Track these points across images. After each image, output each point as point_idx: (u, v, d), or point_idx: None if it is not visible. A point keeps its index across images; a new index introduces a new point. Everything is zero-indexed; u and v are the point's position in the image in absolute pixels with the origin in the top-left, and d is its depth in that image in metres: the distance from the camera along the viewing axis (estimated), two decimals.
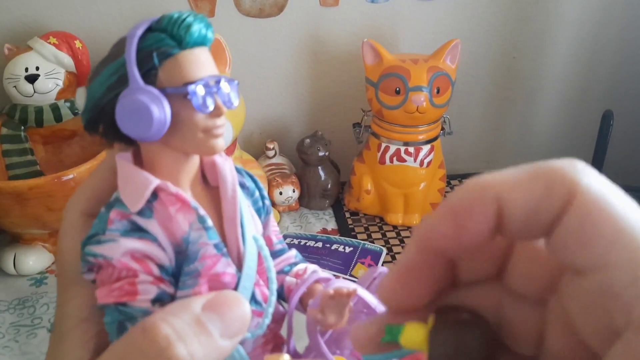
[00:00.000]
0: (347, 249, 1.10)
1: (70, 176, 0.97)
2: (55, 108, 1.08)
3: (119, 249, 0.39)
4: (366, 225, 1.20)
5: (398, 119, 1.12)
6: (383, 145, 1.16)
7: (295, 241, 1.11)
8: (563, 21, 1.29)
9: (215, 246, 0.42)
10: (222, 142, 0.43)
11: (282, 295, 0.52)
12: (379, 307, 0.48)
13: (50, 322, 0.96)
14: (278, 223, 1.18)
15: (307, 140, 1.19)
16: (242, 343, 0.45)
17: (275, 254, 0.51)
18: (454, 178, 1.37)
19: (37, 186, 0.95)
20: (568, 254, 0.19)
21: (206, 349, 0.25)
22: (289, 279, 0.52)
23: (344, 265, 1.06)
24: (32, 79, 1.04)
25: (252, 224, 0.46)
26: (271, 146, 1.23)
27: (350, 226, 1.19)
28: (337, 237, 1.15)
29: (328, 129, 1.31)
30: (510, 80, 1.35)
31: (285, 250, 0.53)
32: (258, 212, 0.49)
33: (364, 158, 1.21)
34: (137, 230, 0.40)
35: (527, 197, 0.20)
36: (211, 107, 0.42)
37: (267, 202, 0.50)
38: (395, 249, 1.13)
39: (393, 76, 1.09)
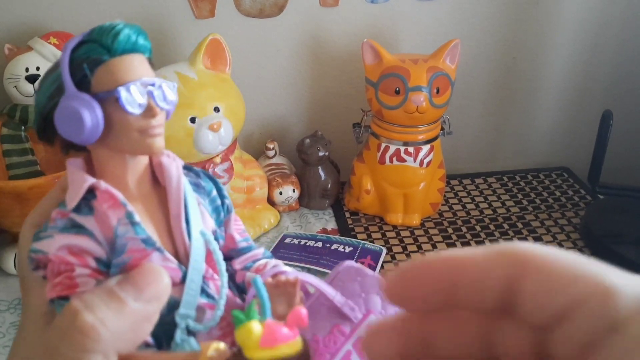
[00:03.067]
0: (347, 249, 1.10)
1: None
2: None
3: (55, 244, 0.43)
4: (366, 225, 1.20)
5: (398, 119, 1.12)
6: (383, 145, 1.16)
7: (295, 241, 1.11)
8: (563, 21, 1.30)
9: (144, 241, 0.44)
10: (159, 142, 0.46)
11: (244, 290, 0.54)
12: (337, 297, 0.50)
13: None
14: (278, 223, 1.18)
15: (307, 140, 1.19)
16: (195, 335, 0.46)
17: (239, 252, 0.53)
18: (453, 178, 1.38)
19: (38, 186, 0.95)
20: (541, 312, 0.20)
21: (118, 313, 0.28)
22: (249, 274, 0.54)
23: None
24: (32, 79, 1.04)
25: (200, 220, 0.48)
26: (271, 146, 1.23)
27: (350, 226, 1.20)
28: (337, 237, 1.15)
29: (328, 129, 1.31)
30: (509, 80, 1.35)
31: (252, 248, 0.54)
32: (216, 210, 0.52)
33: (364, 158, 1.21)
34: (74, 227, 0.44)
35: (480, 267, 0.21)
36: (138, 109, 0.44)
37: (228, 201, 0.53)
38: (395, 249, 1.13)
39: (393, 76, 1.10)
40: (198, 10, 1.17)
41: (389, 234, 1.18)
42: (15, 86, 1.05)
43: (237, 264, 0.54)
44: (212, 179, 0.52)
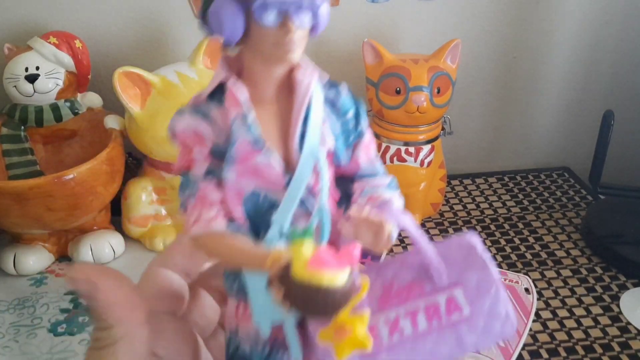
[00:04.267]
0: None
1: (70, 176, 0.97)
2: (55, 108, 1.08)
3: (183, 122, 0.50)
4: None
5: (398, 119, 1.12)
6: (383, 145, 1.16)
7: None
8: (563, 21, 1.29)
9: (253, 140, 0.49)
10: (292, 56, 0.50)
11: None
12: (431, 256, 0.48)
13: (51, 322, 0.96)
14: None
15: None
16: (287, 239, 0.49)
17: (362, 175, 0.55)
18: (454, 178, 1.37)
19: (37, 186, 0.95)
20: None
21: None
22: (360, 200, 0.55)
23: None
24: (32, 78, 1.04)
25: (317, 138, 0.51)
26: None
27: None
28: None
29: None
30: (510, 80, 1.35)
31: (377, 174, 0.56)
32: (346, 132, 0.54)
33: None
34: (202, 113, 0.50)
35: None
36: (273, 23, 0.48)
37: (362, 127, 0.55)
38: (395, 249, 1.13)
39: (393, 76, 1.09)
40: (197, 9, 1.16)
41: None
42: (15, 86, 1.04)
43: (358, 186, 0.56)
44: (355, 102, 0.55)
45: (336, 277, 0.38)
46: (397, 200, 0.55)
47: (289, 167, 0.51)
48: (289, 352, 0.52)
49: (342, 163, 0.55)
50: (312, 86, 0.52)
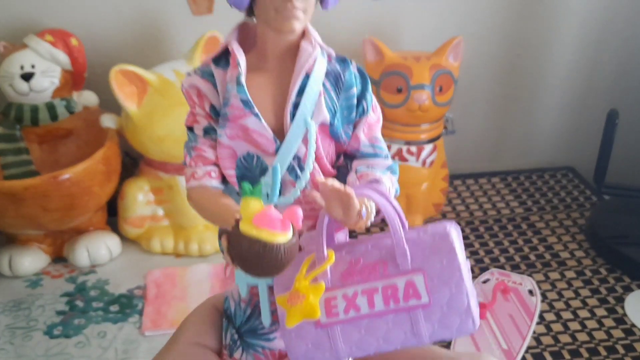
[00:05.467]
0: None
1: (66, 176, 0.96)
2: (51, 107, 1.07)
3: (189, 80, 0.52)
4: (368, 226, 1.18)
5: (400, 118, 1.11)
6: None
7: None
8: (567, 18, 1.28)
9: (243, 101, 0.50)
10: (292, 24, 0.50)
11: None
12: (399, 238, 0.49)
13: (46, 324, 0.95)
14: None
15: None
16: (276, 206, 0.49)
17: (361, 154, 0.55)
18: (456, 178, 1.36)
19: (33, 186, 0.94)
20: None
21: None
22: (351, 177, 0.56)
23: None
24: (27, 77, 1.03)
25: (310, 109, 0.52)
26: None
27: None
28: None
29: None
30: (513, 78, 1.34)
31: (377, 155, 0.55)
32: (349, 107, 0.54)
33: None
34: (207, 74, 0.52)
35: None
36: None
37: (366, 104, 0.55)
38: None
39: (395, 74, 1.08)
40: (196, 7, 1.15)
41: None
42: (10, 84, 1.03)
43: (355, 164, 0.56)
44: (363, 78, 0.56)
45: (276, 234, 0.40)
46: (387, 182, 0.54)
47: (281, 135, 0.52)
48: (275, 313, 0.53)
49: (342, 139, 0.55)
50: (314, 57, 0.53)
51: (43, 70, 1.04)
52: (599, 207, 1.22)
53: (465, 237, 1.16)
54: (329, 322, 0.47)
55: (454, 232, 0.51)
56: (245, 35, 0.56)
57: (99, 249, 1.07)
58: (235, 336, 0.56)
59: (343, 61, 0.56)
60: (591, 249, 1.13)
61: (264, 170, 0.52)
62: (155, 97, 1.03)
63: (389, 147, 1.14)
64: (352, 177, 0.56)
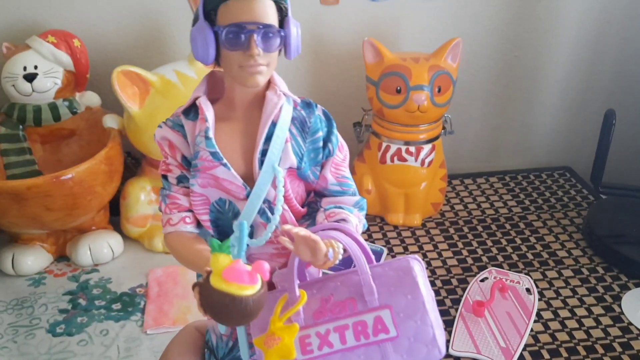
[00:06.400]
0: None
1: (69, 175, 0.97)
2: (53, 107, 1.07)
3: (161, 132, 0.56)
4: (367, 226, 1.19)
5: (399, 118, 1.12)
6: (384, 144, 1.15)
7: None
8: (565, 19, 1.28)
9: (212, 154, 0.54)
10: (257, 79, 0.53)
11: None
12: (365, 277, 0.52)
13: (49, 322, 0.96)
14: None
15: None
16: (247, 251, 0.54)
17: (329, 193, 0.60)
18: (455, 178, 1.37)
19: (36, 186, 0.95)
20: None
21: None
22: (320, 216, 0.60)
23: (344, 266, 1.05)
24: (30, 77, 1.03)
25: (278, 156, 0.55)
26: None
27: None
28: None
29: None
30: (511, 79, 1.34)
31: (344, 194, 0.60)
32: (316, 150, 0.58)
33: (365, 157, 1.20)
34: (177, 125, 0.56)
35: None
36: (237, 48, 0.52)
37: (331, 145, 0.59)
38: (396, 249, 1.12)
39: (394, 75, 1.09)
40: (196, 8, 1.16)
41: (390, 234, 1.17)
42: (13, 85, 1.04)
43: (324, 202, 0.60)
44: (328, 120, 0.59)
45: (244, 287, 0.42)
46: (354, 220, 0.58)
47: (250, 181, 0.55)
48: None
49: (310, 179, 0.59)
50: (279, 106, 0.56)
51: (46, 71, 1.05)
52: (596, 207, 1.23)
53: (463, 236, 1.17)
54: (304, 359, 0.51)
55: (417, 266, 0.54)
56: (214, 84, 0.59)
57: (101, 248, 1.07)
58: None
59: (308, 105, 0.59)
60: (588, 248, 1.14)
61: (236, 214, 0.55)
62: (156, 98, 1.03)
63: (388, 147, 1.15)
64: (320, 216, 0.59)
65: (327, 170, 0.59)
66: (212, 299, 0.43)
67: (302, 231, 0.50)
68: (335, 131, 0.60)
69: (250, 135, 0.56)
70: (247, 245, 0.54)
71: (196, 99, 0.56)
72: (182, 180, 0.56)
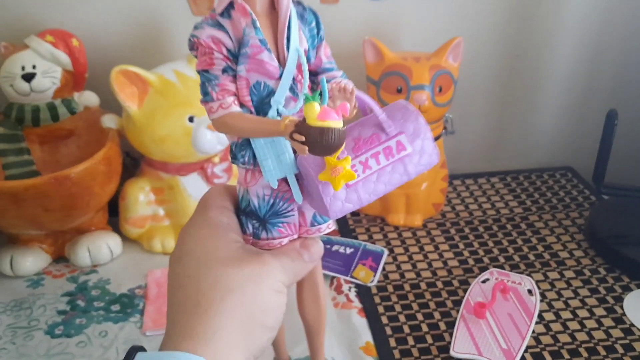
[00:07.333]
0: (348, 250, 1.09)
1: (67, 176, 0.96)
2: (52, 107, 1.07)
3: (205, 32, 0.61)
4: (367, 226, 1.19)
5: None
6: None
7: None
8: (567, 18, 1.28)
9: (261, 41, 0.62)
10: None
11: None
12: (382, 116, 0.65)
13: (48, 323, 0.95)
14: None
15: None
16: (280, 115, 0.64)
17: (324, 69, 0.68)
18: (456, 178, 1.36)
19: (34, 186, 0.94)
20: None
21: (295, 263, 0.59)
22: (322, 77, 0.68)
23: (344, 267, 1.05)
24: (28, 77, 1.03)
25: (297, 40, 0.64)
26: None
27: (351, 227, 1.18)
28: (337, 237, 1.13)
29: None
30: (513, 78, 1.34)
31: (335, 69, 0.70)
32: (312, 37, 0.67)
33: None
34: (217, 25, 0.61)
35: None
36: None
37: (322, 32, 0.68)
38: (396, 250, 1.12)
39: (395, 74, 1.08)
40: (196, 7, 1.16)
41: (390, 235, 1.16)
42: (11, 85, 1.03)
43: (319, 77, 0.69)
44: (314, 14, 0.68)
45: (337, 122, 0.53)
46: (351, 83, 0.67)
47: (281, 63, 0.64)
48: (292, 196, 0.66)
49: (311, 61, 0.68)
50: (290, 4, 0.64)
51: (44, 71, 1.04)
52: (598, 207, 1.22)
53: (464, 237, 1.17)
54: (354, 181, 0.63)
55: (410, 104, 0.68)
56: None
57: (100, 249, 1.07)
58: (257, 224, 0.68)
59: (300, 4, 0.68)
60: (590, 249, 1.13)
61: (270, 93, 0.64)
62: (156, 98, 1.03)
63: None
64: (319, 77, 0.68)
65: (322, 52, 0.69)
66: (316, 136, 0.53)
67: (342, 83, 0.61)
68: (320, 21, 0.69)
69: (273, 27, 0.64)
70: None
71: (231, 1, 0.63)
72: (226, 70, 0.63)
